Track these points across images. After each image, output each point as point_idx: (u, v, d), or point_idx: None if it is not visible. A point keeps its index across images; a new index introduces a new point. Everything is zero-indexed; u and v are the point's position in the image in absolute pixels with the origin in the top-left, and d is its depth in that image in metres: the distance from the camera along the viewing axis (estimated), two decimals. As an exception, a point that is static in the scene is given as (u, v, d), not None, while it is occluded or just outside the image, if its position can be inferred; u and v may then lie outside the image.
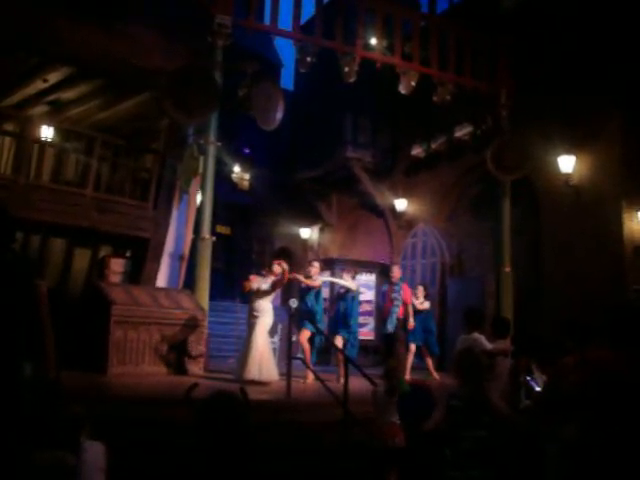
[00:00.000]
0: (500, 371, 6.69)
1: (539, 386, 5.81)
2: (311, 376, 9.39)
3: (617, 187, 11.19)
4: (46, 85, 11.94)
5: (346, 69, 11.46)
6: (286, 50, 19.32)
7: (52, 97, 12.57)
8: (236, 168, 21.09)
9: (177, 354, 9.77)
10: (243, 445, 2.78)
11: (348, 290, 10.58)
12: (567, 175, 11.72)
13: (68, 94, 12.52)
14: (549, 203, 12.26)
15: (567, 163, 11.70)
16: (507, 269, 12.34)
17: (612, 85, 11.24)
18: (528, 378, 6.02)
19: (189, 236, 11.92)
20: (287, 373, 8.26)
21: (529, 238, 12.68)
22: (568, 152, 11.69)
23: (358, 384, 7.56)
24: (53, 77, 11.71)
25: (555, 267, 11.92)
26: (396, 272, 11.43)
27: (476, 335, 7.02)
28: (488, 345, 6.93)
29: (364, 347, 12.23)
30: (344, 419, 6.43)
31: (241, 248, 20.01)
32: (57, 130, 12.35)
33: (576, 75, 11.66)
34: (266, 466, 3.39)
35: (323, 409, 7.33)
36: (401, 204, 16.00)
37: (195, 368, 9.75)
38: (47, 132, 12.16)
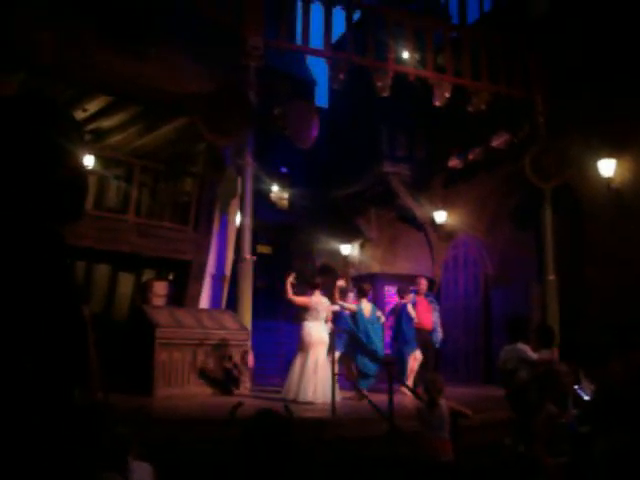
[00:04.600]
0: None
1: (587, 395, 5.72)
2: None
3: (661, 189, 10.97)
4: (86, 115, 12.22)
5: (379, 84, 11.50)
6: (319, 68, 19.47)
7: (92, 126, 12.85)
8: (274, 187, 21.22)
9: (222, 374, 9.84)
10: (288, 462, 2.80)
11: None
12: (608, 179, 11.51)
13: (107, 122, 12.81)
14: (591, 208, 12.05)
15: (608, 167, 11.49)
16: (551, 277, 12.16)
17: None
18: (576, 387, 5.92)
19: (230, 257, 12.01)
20: (332, 391, 8.25)
21: (573, 245, 12.47)
22: (608, 155, 11.49)
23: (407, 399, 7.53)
24: (92, 106, 11.99)
25: (600, 274, 11.67)
26: (423, 283, 11.38)
27: (520, 345, 6.93)
28: (533, 355, 6.82)
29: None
30: (389, 433, 6.38)
31: (282, 267, 20.06)
32: (98, 158, 12.57)
33: (612, 76, 11.49)
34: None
35: (369, 424, 7.29)
36: (440, 216, 15.90)
37: (240, 388, 9.81)
38: (88, 160, 12.37)
